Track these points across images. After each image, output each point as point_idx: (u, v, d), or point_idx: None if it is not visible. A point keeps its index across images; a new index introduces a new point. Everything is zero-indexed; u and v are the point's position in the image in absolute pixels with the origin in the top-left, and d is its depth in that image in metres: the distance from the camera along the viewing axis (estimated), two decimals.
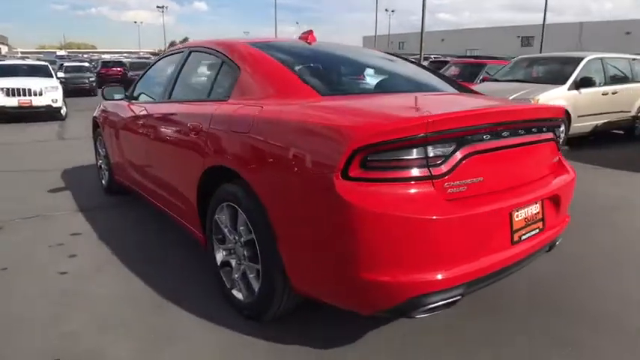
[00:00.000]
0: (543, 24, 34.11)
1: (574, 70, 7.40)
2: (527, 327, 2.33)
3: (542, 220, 2.20)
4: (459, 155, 1.80)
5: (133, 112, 3.60)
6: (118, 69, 22.90)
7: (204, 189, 2.53)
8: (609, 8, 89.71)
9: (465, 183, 1.84)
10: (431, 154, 1.75)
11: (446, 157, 1.78)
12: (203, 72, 3.09)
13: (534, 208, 2.14)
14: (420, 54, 28.17)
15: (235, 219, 2.30)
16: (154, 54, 60.20)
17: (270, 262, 2.07)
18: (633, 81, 8.27)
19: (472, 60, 12.42)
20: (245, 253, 2.28)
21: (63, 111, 11.40)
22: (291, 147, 1.90)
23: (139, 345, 2.16)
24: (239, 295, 2.37)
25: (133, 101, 3.80)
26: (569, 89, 7.21)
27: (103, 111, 4.45)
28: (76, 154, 6.68)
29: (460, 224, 1.78)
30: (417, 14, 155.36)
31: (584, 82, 7.25)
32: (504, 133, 1.99)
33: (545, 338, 2.24)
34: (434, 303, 1.78)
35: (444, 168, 1.77)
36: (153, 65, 3.87)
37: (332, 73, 2.68)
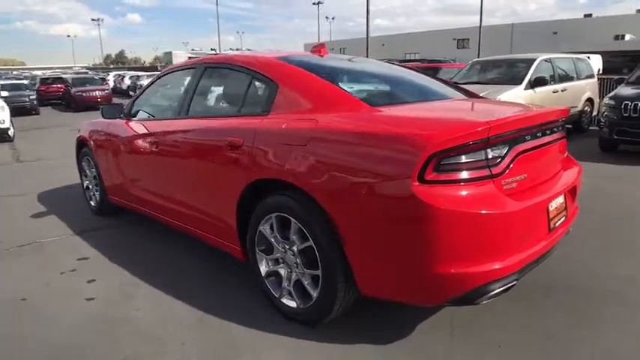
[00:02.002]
0: (480, 27, 36.10)
1: (528, 70, 7.98)
2: (554, 306, 2.56)
3: (566, 209, 2.45)
4: (510, 155, 2.01)
5: (138, 130, 3.52)
6: (59, 86, 21.76)
7: (243, 203, 2.56)
8: (533, 9, 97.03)
9: (515, 180, 2.04)
10: (490, 156, 1.94)
11: (502, 158, 1.98)
12: (228, 88, 3.09)
13: (561, 199, 2.38)
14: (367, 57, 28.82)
15: (286, 229, 2.36)
16: (90, 69, 57.56)
17: (333, 268, 2.15)
18: (578, 79, 9.05)
19: (426, 64, 13.00)
20: (299, 261, 2.34)
21: (11, 132, 10.71)
22: (360, 155, 2.00)
23: None
24: (291, 303, 2.42)
25: (134, 119, 3.71)
26: (525, 89, 7.76)
27: (94, 131, 4.30)
28: (42, 176, 6.37)
29: (518, 217, 1.97)
30: (353, 21, 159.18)
31: (538, 82, 7.83)
32: (538, 134, 2.23)
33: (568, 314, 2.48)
34: (496, 290, 1.96)
35: (500, 167, 1.97)
36: (153, 83, 3.80)
37: (367, 84, 2.80)
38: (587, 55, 28.00)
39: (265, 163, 2.36)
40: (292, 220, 2.29)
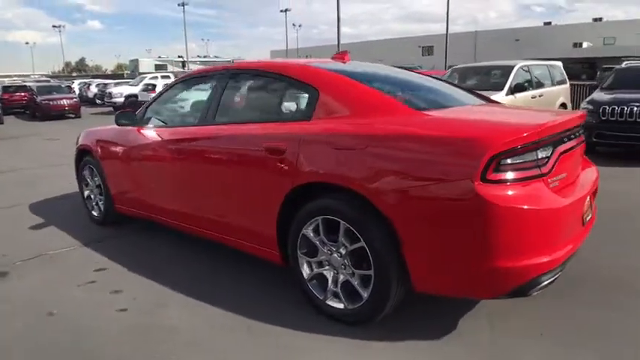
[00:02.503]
0: (447, 34, 37.13)
1: (508, 77, 8.31)
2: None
3: (591, 205, 2.60)
4: (555, 156, 2.14)
5: (156, 137, 3.47)
6: (23, 94, 20.94)
7: (284, 207, 2.57)
8: (493, 17, 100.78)
9: (557, 179, 2.18)
10: (540, 156, 2.06)
11: (548, 158, 2.11)
12: (261, 94, 3.09)
13: (588, 196, 2.53)
14: None
15: (333, 231, 2.39)
16: (50, 76, 55.43)
17: (387, 267, 2.21)
18: (552, 84, 9.48)
19: None
20: (347, 262, 2.38)
21: None
22: (420, 158, 2.08)
23: None
24: (338, 305, 2.45)
25: (150, 126, 3.65)
26: (506, 95, 8.08)
27: (100, 139, 4.19)
28: (27, 187, 6.13)
29: (564, 212, 2.10)
30: (318, 28, 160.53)
31: (518, 88, 8.17)
32: (572, 136, 2.38)
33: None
34: (546, 281, 2.08)
35: (548, 167, 2.10)
36: (168, 90, 3.74)
37: (401, 89, 2.86)
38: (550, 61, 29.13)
39: (314, 168, 2.40)
40: (342, 222, 2.32)
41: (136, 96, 19.82)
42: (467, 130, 2.11)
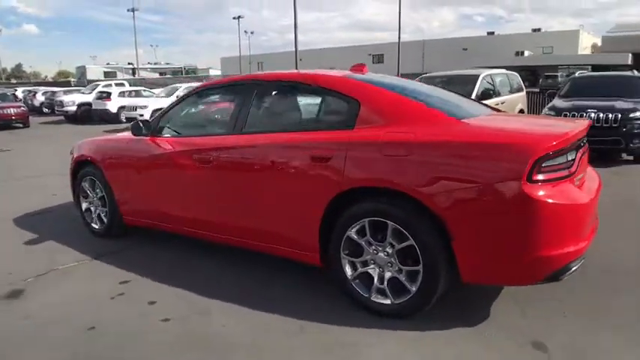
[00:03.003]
0: (399, 43, 38.35)
1: (475, 85, 8.84)
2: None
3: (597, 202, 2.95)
4: (577, 158, 2.44)
5: (177, 147, 3.48)
6: None
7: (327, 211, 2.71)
8: (436, 26, 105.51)
9: (578, 178, 2.49)
10: (568, 159, 2.35)
11: (573, 160, 2.40)
12: (296, 104, 3.21)
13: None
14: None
15: (379, 231, 2.57)
16: None
17: (436, 262, 2.42)
18: (511, 92, 10.16)
19: None
20: (393, 260, 2.56)
21: None
22: (469, 162, 2.31)
23: None
24: (384, 301, 2.63)
25: (167, 136, 3.65)
26: None
27: (106, 149, 4.12)
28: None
29: (588, 207, 2.43)
30: (267, 35, 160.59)
31: (484, 96, 8.70)
32: (584, 141, 2.71)
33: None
34: (574, 267, 2.37)
35: (574, 168, 2.40)
36: (184, 100, 3.76)
37: (434, 100, 3.05)
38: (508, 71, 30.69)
39: (362, 173, 2.56)
40: (390, 223, 2.50)
41: (89, 104, 19.09)
42: (512, 137, 2.39)
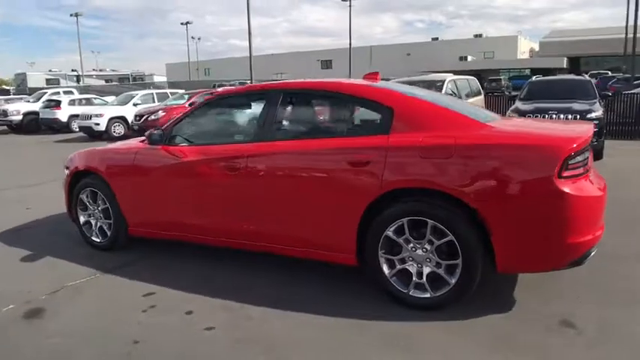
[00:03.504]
0: (350, 49, 39.06)
1: (442, 90, 9.30)
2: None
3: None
4: (590, 156, 2.73)
5: (196, 155, 3.48)
6: None
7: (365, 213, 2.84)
8: (379, 32, 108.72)
9: (591, 175, 2.76)
10: (585, 157, 2.64)
11: (587, 158, 2.69)
12: (327, 111, 3.31)
13: None
14: (251, 79, 29.55)
15: (418, 229, 2.75)
16: None
17: (475, 255, 2.62)
18: (472, 95, 10.76)
19: None
20: (432, 256, 2.74)
21: None
22: (507, 161, 2.54)
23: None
24: (423, 294, 2.80)
25: (183, 145, 3.63)
26: None
27: (112, 159, 4.03)
28: None
29: (603, 199, 2.72)
30: (211, 41, 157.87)
31: None
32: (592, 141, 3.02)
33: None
34: (592, 253, 2.67)
35: (588, 165, 2.70)
36: (198, 109, 3.75)
37: (456, 106, 3.26)
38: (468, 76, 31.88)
39: (402, 175, 2.73)
40: (429, 221, 2.68)
41: (36, 113, 18.05)
42: (543, 139, 2.68)
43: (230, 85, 30.53)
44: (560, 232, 2.51)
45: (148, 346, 2.62)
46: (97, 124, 14.56)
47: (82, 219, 4.33)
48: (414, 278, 2.82)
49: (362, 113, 3.10)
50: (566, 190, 2.46)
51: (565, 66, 36.68)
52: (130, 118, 14.60)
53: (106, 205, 4.08)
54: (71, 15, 40.43)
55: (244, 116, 3.47)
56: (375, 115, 2.99)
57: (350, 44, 41.37)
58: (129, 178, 3.89)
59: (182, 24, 51.25)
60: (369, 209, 2.83)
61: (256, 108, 3.42)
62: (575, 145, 2.53)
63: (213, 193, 3.42)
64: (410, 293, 2.83)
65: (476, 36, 57.52)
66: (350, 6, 41.12)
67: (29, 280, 3.63)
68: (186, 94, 15.84)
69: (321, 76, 47.24)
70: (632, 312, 2.75)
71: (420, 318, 2.75)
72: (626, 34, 26.24)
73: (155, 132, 3.68)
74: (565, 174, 2.49)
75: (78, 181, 4.30)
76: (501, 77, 33.91)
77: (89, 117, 14.82)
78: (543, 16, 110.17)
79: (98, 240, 4.23)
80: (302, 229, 3.12)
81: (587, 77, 9.54)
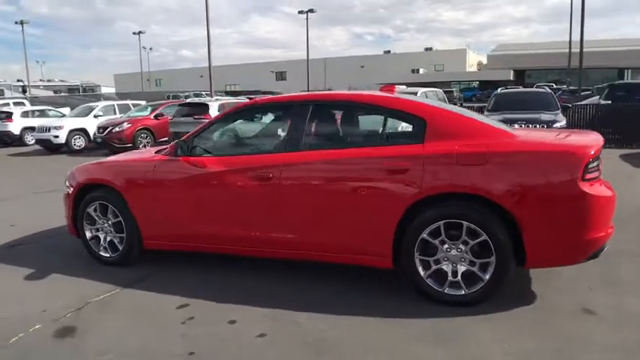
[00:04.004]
0: (307, 61, 39.50)
1: None
2: None
3: None
4: (601, 162, 3.05)
5: (225, 166, 3.51)
6: None
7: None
8: (330, 44, 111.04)
9: (601, 178, 3.09)
10: (598, 162, 2.95)
11: (599, 164, 3.01)
12: (360, 122, 3.46)
13: None
14: (211, 90, 29.20)
15: (452, 231, 2.95)
16: None
17: (507, 253, 2.87)
18: None
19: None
20: (466, 255, 2.96)
21: None
22: (537, 166, 2.82)
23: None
24: (458, 292, 3.01)
25: (208, 155, 3.65)
26: None
27: (126, 171, 3.97)
28: None
29: (614, 199, 3.04)
30: (159, 52, 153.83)
31: None
32: None
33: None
34: (606, 247, 2.98)
35: (600, 169, 3.02)
36: (222, 120, 3.79)
37: (478, 116, 3.52)
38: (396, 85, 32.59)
39: (439, 181, 2.94)
40: (464, 222, 2.90)
41: None
42: (567, 146, 2.99)
43: (184, 97, 29.96)
44: (581, 228, 2.81)
45: (206, 357, 2.64)
46: (57, 137, 13.90)
47: (88, 234, 4.21)
48: (449, 277, 3.02)
49: (398, 124, 3.30)
50: (588, 191, 2.77)
51: (512, 78, 39.08)
52: (92, 130, 14.05)
53: (118, 218, 4.00)
54: (16, 22, 38.16)
55: (273, 126, 3.55)
56: (409, 126, 3.20)
57: (307, 56, 41.97)
58: (148, 191, 3.84)
59: (134, 33, 49.82)
60: (405, 214, 3.01)
61: (285, 118, 3.53)
62: (593, 152, 2.85)
63: (244, 203, 3.47)
64: (445, 291, 3.03)
65: (426, 49, 60.05)
66: (307, 18, 41.71)
67: (44, 298, 3.50)
68: (149, 105, 15.52)
69: (276, 87, 47.38)
70: None
71: (452, 314, 2.94)
72: (570, 48, 28.44)
73: (181, 143, 3.68)
74: (586, 177, 2.80)
75: (83, 195, 4.19)
76: (453, 89, 35.56)
77: (47, 129, 14.12)
78: (486, 30, 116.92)
79: (107, 255, 4.13)
80: (340, 235, 3.24)
81: (548, 89, 10.31)
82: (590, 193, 2.77)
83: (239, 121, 3.88)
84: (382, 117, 3.30)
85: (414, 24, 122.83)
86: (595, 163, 2.89)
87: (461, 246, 2.97)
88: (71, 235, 4.40)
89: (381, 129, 3.31)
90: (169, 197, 3.78)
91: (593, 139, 3.10)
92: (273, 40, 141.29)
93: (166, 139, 11.86)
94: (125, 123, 12.99)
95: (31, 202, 7.23)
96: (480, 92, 37.69)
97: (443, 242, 3.00)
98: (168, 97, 30.91)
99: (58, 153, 14.05)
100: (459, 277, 3.00)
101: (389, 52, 62.28)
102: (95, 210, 4.12)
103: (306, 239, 3.35)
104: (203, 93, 34.54)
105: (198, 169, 3.61)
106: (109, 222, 4.08)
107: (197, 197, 3.66)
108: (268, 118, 3.66)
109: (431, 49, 60.09)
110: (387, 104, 3.30)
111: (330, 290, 3.40)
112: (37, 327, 3.04)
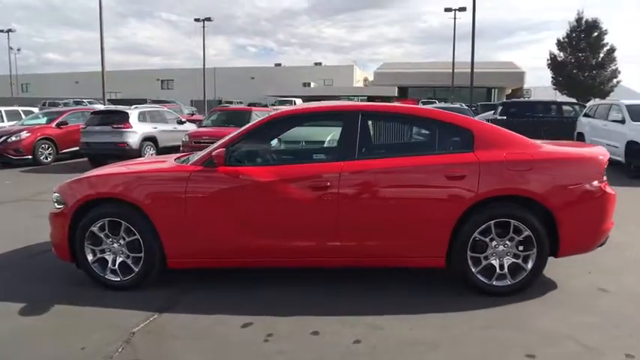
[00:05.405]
0: (203, 70, 38.42)
1: None
2: None
3: None
4: None
5: (271, 176, 3.46)
6: None
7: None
8: (213, 54, 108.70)
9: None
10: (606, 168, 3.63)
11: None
12: (411, 132, 3.68)
13: None
14: (104, 97, 26.99)
15: (499, 228, 3.36)
16: None
17: (545, 245, 3.37)
18: None
19: (237, 107, 13.94)
20: (513, 250, 3.40)
21: None
22: (571, 170, 3.39)
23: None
24: (503, 283, 3.43)
25: (249, 165, 3.58)
26: None
27: (150, 183, 3.68)
28: None
29: (615, 196, 3.71)
30: (21, 53, 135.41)
31: None
32: None
33: None
34: (609, 237, 3.65)
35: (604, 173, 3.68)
36: (260, 129, 3.73)
37: (505, 130, 3.95)
38: (293, 99, 34.12)
39: (493, 185, 3.34)
40: (512, 221, 3.34)
41: None
42: (590, 154, 3.62)
43: (64, 104, 26.93)
44: (600, 221, 3.46)
45: None
46: None
47: (90, 257, 3.74)
48: (497, 271, 3.41)
49: (448, 135, 3.63)
50: (607, 190, 3.44)
51: (396, 94, 42.64)
52: None
53: (135, 236, 3.65)
54: None
55: (321, 135, 3.60)
56: (459, 136, 3.57)
57: (204, 65, 40.86)
58: (180, 205, 3.55)
59: (3, 32, 43.68)
60: (462, 216, 3.34)
61: (342, 127, 3.62)
62: (607, 159, 3.54)
63: (299, 214, 3.47)
64: (493, 283, 3.42)
65: (316, 64, 62.46)
66: (204, 27, 40.71)
67: (68, 333, 3.07)
68: (43, 113, 13.88)
69: (160, 96, 45.00)
70: None
71: (501, 302, 3.33)
72: (453, 69, 32.79)
73: (214, 154, 3.52)
74: (604, 179, 3.45)
75: (84, 211, 3.74)
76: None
77: None
78: (365, 48, 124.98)
79: (117, 279, 3.71)
80: (400, 240, 3.44)
81: (464, 106, 11.65)
82: (608, 192, 3.44)
83: (279, 130, 3.86)
84: (434, 128, 3.63)
85: (296, 39, 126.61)
86: (606, 168, 3.55)
87: (507, 242, 3.39)
88: (61, 259, 3.88)
89: (433, 139, 3.63)
90: (209, 211, 3.56)
91: (601, 149, 3.79)
92: (153, 48, 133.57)
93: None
94: (24, 132, 11.40)
95: None
96: None
97: (492, 240, 3.39)
98: (44, 105, 27.53)
99: None
100: (506, 270, 3.42)
101: (279, 64, 63.36)
102: (102, 228, 3.69)
103: (365, 246, 3.47)
104: (85, 101, 31.59)
105: (244, 179, 3.50)
106: (121, 241, 3.70)
107: (245, 209, 3.53)
108: (318, 126, 3.70)
109: (320, 64, 62.68)
110: (438, 117, 3.65)
111: (377, 291, 3.58)
112: None
